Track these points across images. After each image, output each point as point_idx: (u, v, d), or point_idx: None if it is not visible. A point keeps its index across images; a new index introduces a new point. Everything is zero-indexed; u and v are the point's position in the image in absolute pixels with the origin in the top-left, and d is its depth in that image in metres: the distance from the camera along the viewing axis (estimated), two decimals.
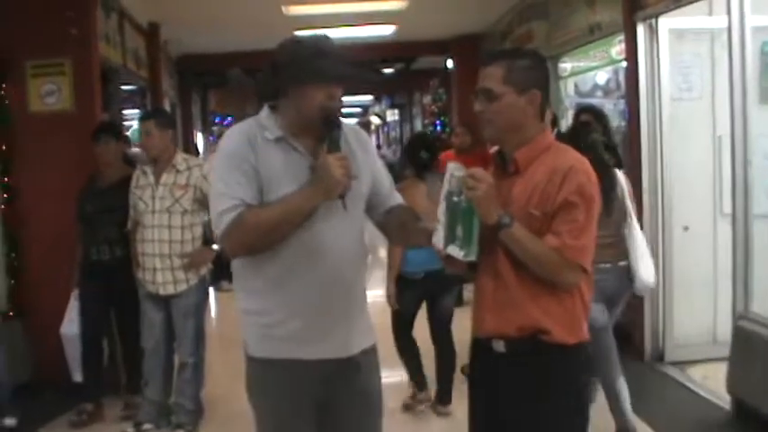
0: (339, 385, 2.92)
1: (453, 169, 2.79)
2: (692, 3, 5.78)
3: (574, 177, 2.72)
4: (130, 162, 6.14)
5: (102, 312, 5.78)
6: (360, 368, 2.96)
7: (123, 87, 8.75)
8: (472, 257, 2.76)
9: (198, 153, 14.09)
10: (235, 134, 2.89)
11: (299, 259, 2.78)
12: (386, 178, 3.11)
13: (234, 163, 2.76)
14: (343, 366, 2.91)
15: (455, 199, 2.77)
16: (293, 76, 2.76)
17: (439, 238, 2.79)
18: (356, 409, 2.99)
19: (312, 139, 2.83)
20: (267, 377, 2.91)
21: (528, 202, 2.74)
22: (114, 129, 6.05)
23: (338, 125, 2.81)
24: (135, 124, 10.53)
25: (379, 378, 3.11)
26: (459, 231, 2.76)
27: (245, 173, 2.74)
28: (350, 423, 2.99)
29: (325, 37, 2.86)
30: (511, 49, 2.88)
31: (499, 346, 2.83)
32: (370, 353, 3.04)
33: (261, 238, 2.74)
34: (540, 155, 2.81)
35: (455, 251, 2.77)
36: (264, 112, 2.89)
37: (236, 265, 2.91)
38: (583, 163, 2.79)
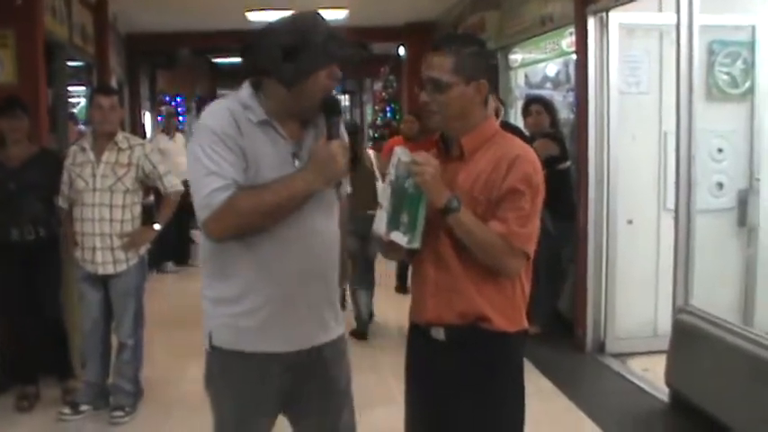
0: (304, 375, 2.85)
1: (400, 154, 2.76)
2: None
3: (520, 166, 2.72)
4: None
5: (26, 294, 5.54)
6: (326, 357, 2.90)
7: (69, 63, 8.57)
8: (416, 244, 2.75)
9: (145, 133, 13.92)
10: (220, 111, 2.70)
11: (284, 246, 2.70)
12: None
13: (223, 142, 2.62)
14: (309, 357, 2.83)
15: (402, 184, 2.74)
16: (312, 62, 2.64)
17: (381, 224, 2.76)
18: (320, 399, 2.93)
19: (296, 124, 2.75)
20: (231, 369, 2.81)
21: (472, 187, 2.74)
22: (23, 103, 5.76)
23: (339, 111, 2.76)
24: (82, 101, 10.36)
25: (347, 365, 3.04)
26: (404, 218, 2.74)
27: (235, 153, 2.62)
28: (313, 411, 2.93)
29: (323, 17, 2.74)
30: (459, 35, 2.83)
31: (439, 333, 2.83)
32: (339, 342, 2.97)
33: (256, 220, 2.63)
34: (486, 142, 2.81)
35: (399, 237, 2.75)
36: (246, 90, 2.74)
37: (211, 250, 2.77)
38: (528, 152, 2.80)
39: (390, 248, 2.83)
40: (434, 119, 2.81)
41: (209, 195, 2.59)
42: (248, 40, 2.74)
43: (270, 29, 2.70)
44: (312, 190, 2.66)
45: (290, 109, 2.72)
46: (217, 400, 2.90)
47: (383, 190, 2.79)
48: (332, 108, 2.73)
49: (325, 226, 2.80)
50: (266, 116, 2.69)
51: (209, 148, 2.61)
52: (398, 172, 2.75)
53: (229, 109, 2.69)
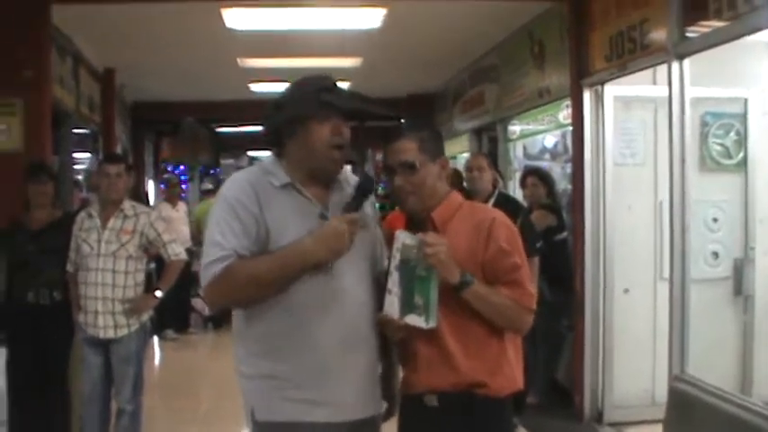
0: None
1: (404, 238, 2.78)
2: (635, 72, 5.96)
3: (500, 228, 2.85)
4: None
5: (36, 358, 5.54)
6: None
7: (75, 131, 8.72)
8: (433, 324, 2.76)
9: (148, 201, 14.02)
10: (238, 181, 2.81)
11: (320, 316, 2.71)
12: None
13: (233, 211, 2.68)
14: (355, 430, 2.81)
15: (412, 267, 2.75)
16: (297, 110, 2.73)
17: (394, 309, 2.77)
18: None
19: (320, 186, 2.78)
20: None
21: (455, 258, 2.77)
22: (50, 169, 5.93)
23: (371, 191, 2.81)
24: (88, 167, 10.48)
25: None
26: (418, 300, 2.75)
27: (243, 222, 2.67)
28: None
29: (329, 76, 2.84)
30: (414, 122, 2.94)
31: (432, 400, 2.86)
32: (380, 418, 2.98)
33: (251, 291, 2.66)
34: (455, 213, 2.91)
35: (415, 320, 2.76)
36: (270, 158, 2.83)
37: (246, 326, 2.78)
38: (503, 216, 2.93)
39: (397, 329, 2.82)
40: (410, 200, 2.88)
41: (209, 264, 2.65)
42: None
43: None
44: (313, 262, 2.65)
45: (308, 169, 2.77)
46: None
47: (390, 275, 2.79)
48: (365, 186, 2.79)
49: (359, 294, 2.80)
50: (289, 179, 2.75)
51: (221, 217, 2.70)
52: (404, 255, 2.77)
53: (248, 179, 2.78)
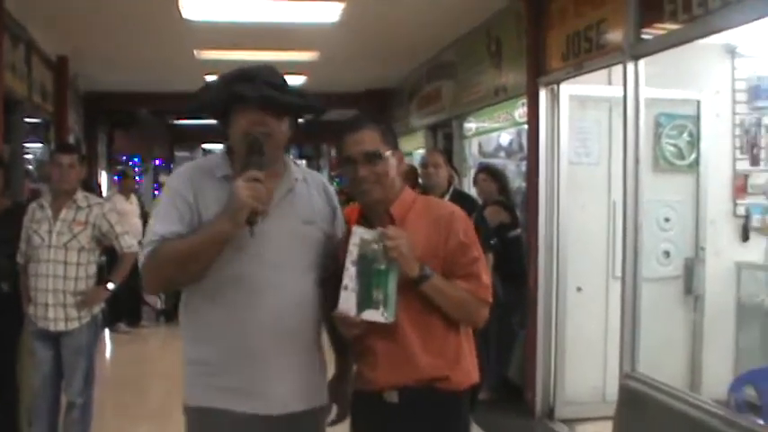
0: None
1: (361, 233, 2.75)
2: (591, 72, 6.01)
3: (458, 222, 2.86)
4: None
5: None
6: (304, 428, 2.85)
7: (27, 120, 8.58)
8: (392, 318, 2.73)
9: (101, 192, 13.84)
10: (180, 170, 2.90)
11: (252, 304, 2.69)
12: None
13: (170, 198, 2.75)
14: (286, 425, 2.77)
15: (370, 262, 2.72)
16: (209, 95, 2.80)
17: (351, 305, 2.73)
18: None
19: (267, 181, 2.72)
20: (204, 428, 2.77)
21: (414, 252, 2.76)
22: (1, 158, 5.82)
23: (259, 150, 2.66)
24: (39, 157, 10.31)
25: None
26: (378, 295, 2.72)
27: (177, 208, 2.71)
28: None
29: (266, 67, 2.82)
30: (369, 114, 2.93)
31: (392, 396, 2.83)
32: (317, 413, 2.92)
33: (175, 269, 2.66)
34: (411, 208, 2.90)
35: (374, 315, 2.73)
36: (221, 151, 2.88)
37: (185, 312, 2.83)
38: (459, 210, 2.94)
39: (353, 326, 2.78)
40: (375, 191, 2.84)
41: (141, 250, 2.74)
42: None
43: None
44: (219, 230, 2.60)
45: (239, 160, 2.74)
46: None
47: (346, 270, 2.75)
48: (250, 148, 2.68)
49: (271, 282, 2.73)
50: (229, 171, 2.75)
51: (161, 205, 2.79)
52: (362, 250, 2.73)
53: (189, 168, 2.86)
